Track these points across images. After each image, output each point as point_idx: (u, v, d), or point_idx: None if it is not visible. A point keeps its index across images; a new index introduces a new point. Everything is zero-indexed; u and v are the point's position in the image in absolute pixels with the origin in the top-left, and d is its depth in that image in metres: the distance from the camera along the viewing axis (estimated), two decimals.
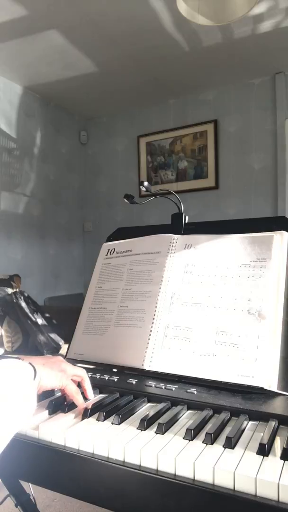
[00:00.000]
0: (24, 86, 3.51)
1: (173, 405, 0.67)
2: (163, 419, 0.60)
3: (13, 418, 0.54)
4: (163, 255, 0.91)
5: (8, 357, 0.63)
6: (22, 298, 1.20)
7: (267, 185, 3.38)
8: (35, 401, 0.60)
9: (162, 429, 0.58)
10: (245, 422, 0.60)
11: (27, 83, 3.45)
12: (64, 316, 1.22)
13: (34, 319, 1.18)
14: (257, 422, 0.61)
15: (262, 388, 0.67)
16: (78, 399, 0.68)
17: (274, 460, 0.50)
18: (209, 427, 0.58)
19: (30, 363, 0.62)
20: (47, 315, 1.24)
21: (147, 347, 0.81)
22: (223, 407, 0.63)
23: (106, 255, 1.03)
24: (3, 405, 0.53)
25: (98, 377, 0.78)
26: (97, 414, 0.64)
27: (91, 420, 0.64)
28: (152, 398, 0.70)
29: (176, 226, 0.97)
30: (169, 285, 0.86)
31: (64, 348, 1.14)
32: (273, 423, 0.58)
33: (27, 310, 1.18)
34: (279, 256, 0.79)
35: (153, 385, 0.73)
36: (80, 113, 4.14)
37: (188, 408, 0.66)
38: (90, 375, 0.78)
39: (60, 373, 0.67)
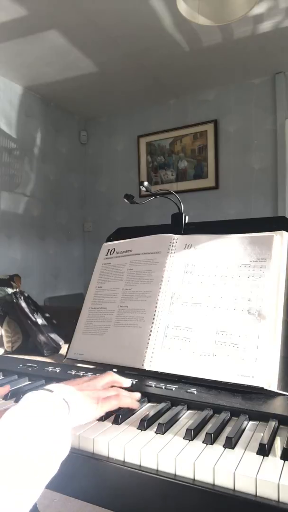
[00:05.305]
0: (24, 86, 3.51)
1: (173, 405, 0.67)
2: (163, 419, 0.60)
3: (45, 475, 0.46)
4: (163, 255, 0.91)
5: (40, 387, 0.55)
6: (22, 298, 1.20)
7: (267, 185, 3.38)
8: (68, 444, 0.51)
9: (162, 429, 0.58)
10: (245, 422, 0.60)
11: (27, 83, 3.45)
12: (64, 316, 1.22)
13: (34, 319, 1.18)
14: (257, 422, 0.61)
15: (262, 388, 0.67)
16: (129, 404, 0.63)
17: (274, 460, 0.50)
18: (209, 427, 0.58)
19: (63, 399, 0.53)
20: (47, 315, 1.24)
21: (147, 347, 0.81)
22: (223, 407, 0.63)
23: (106, 255, 1.03)
24: (36, 467, 0.44)
25: None
26: None
27: None
28: (152, 398, 0.70)
29: (176, 226, 0.97)
30: (169, 285, 0.86)
31: (64, 348, 1.14)
32: (273, 423, 0.58)
33: (27, 310, 1.18)
34: (279, 256, 0.79)
35: (153, 385, 0.73)
36: (80, 113, 4.14)
37: (188, 408, 0.66)
38: (90, 375, 0.78)
39: (94, 402, 0.59)
